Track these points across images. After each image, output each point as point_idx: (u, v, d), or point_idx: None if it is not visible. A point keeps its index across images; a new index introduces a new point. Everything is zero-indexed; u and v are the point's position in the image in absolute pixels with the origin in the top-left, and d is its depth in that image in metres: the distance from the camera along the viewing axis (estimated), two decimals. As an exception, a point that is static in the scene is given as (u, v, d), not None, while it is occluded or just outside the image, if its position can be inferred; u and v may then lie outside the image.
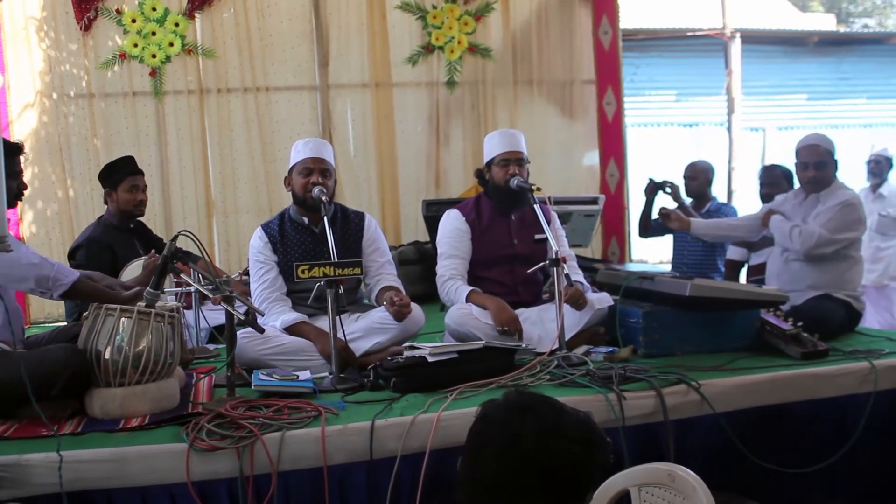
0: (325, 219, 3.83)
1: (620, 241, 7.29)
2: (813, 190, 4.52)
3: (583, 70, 7.23)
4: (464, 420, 2.97)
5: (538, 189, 4.15)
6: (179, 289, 4.42)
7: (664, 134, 11.49)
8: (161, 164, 6.49)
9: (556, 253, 3.81)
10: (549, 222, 4.34)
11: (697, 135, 11.52)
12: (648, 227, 6.22)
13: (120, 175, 4.80)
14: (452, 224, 4.36)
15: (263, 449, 2.78)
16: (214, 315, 4.87)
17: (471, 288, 4.17)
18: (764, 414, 3.31)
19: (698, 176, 6.11)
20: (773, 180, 5.74)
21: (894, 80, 11.87)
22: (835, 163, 4.53)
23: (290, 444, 2.84)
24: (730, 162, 10.35)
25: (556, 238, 4.29)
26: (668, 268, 6.85)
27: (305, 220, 4.13)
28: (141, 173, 4.90)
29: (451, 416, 3.02)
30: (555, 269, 3.79)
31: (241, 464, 2.75)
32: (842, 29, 17.02)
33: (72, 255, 4.76)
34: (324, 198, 3.92)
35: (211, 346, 4.66)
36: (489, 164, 4.36)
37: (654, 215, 6.22)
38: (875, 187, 7.15)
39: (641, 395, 3.20)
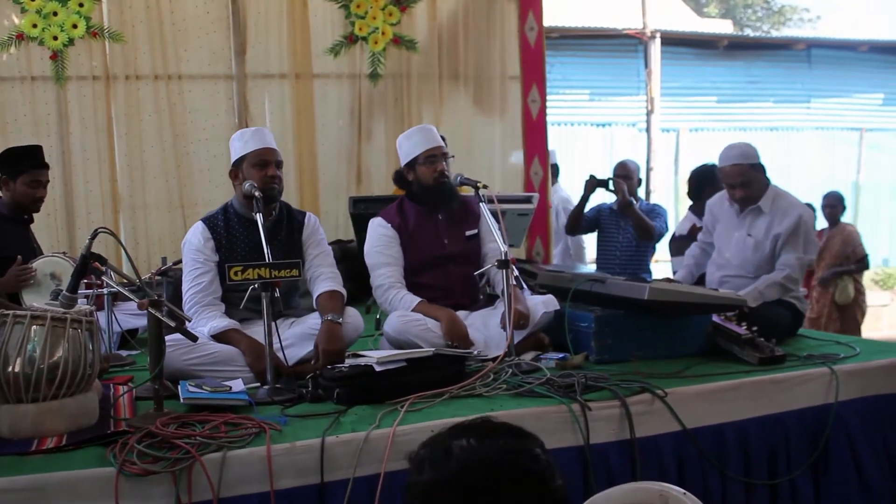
0: (259, 216, 3.54)
1: (545, 242, 7.15)
2: (747, 206, 4.44)
3: (508, 66, 7.05)
4: (420, 435, 2.75)
5: (484, 186, 3.96)
6: (91, 290, 4.06)
7: (576, 133, 11.48)
8: (63, 156, 5.99)
9: (506, 254, 3.64)
10: (479, 218, 4.18)
11: (610, 135, 11.55)
12: (579, 225, 6.10)
13: (22, 166, 4.37)
14: (378, 232, 4.14)
15: (203, 472, 2.49)
16: (126, 318, 4.53)
17: (418, 299, 3.95)
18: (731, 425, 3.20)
19: (632, 175, 6.02)
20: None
21: (799, 85, 12.16)
22: (761, 170, 4.42)
23: (232, 465, 2.56)
24: (648, 162, 10.40)
25: (490, 234, 4.13)
26: (592, 267, 6.76)
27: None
28: (46, 167, 4.48)
29: (405, 430, 2.79)
30: (504, 271, 3.62)
31: (178, 490, 2.46)
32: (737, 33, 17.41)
33: None
34: (274, 192, 3.68)
35: (123, 353, 4.31)
36: (411, 164, 4.13)
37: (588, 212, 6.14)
38: None
39: (605, 404, 3.04)
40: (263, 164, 3.74)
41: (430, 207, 4.15)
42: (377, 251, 4.10)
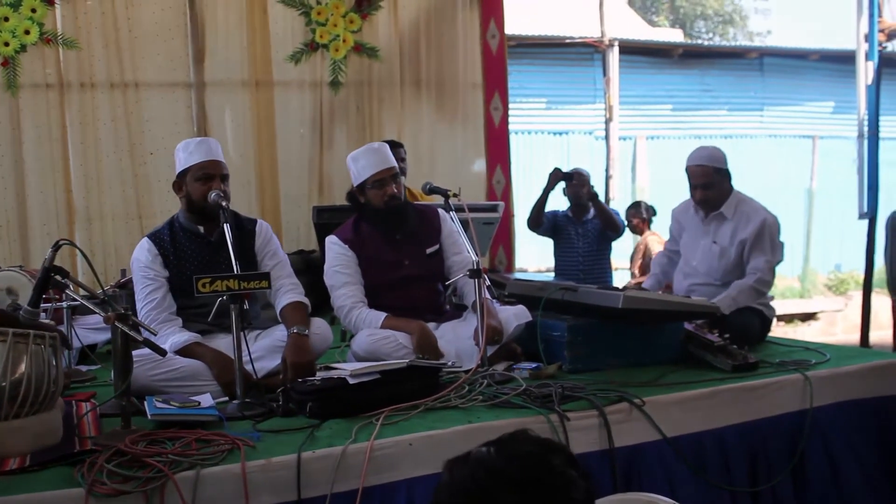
0: (226, 227, 3.44)
1: (507, 250, 7.15)
2: (707, 209, 4.46)
3: (470, 74, 7.05)
4: (398, 449, 2.74)
5: (455, 195, 3.91)
6: (49, 304, 3.94)
7: (533, 141, 11.50)
8: (15, 165, 5.83)
9: (477, 264, 3.60)
10: (439, 231, 4.12)
11: (566, 143, 11.59)
12: (541, 220, 6.09)
13: None
14: (335, 251, 4.02)
15: (176, 491, 2.40)
16: (85, 332, 4.41)
17: (384, 315, 3.86)
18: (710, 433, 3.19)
19: (586, 182, 6.05)
20: None
21: (752, 93, 12.32)
22: (727, 175, 4.47)
23: (206, 483, 2.47)
24: (607, 170, 10.44)
25: (455, 245, 4.09)
26: (551, 276, 6.76)
27: (200, 228, 3.73)
28: None
29: (382, 444, 2.73)
30: (476, 281, 3.58)
31: (151, 510, 2.38)
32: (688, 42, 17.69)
33: None
34: (224, 203, 3.54)
35: (83, 368, 4.19)
36: (361, 187, 4.02)
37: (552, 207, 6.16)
38: None
39: (583, 414, 3.00)
40: (207, 178, 3.62)
41: (385, 229, 4.05)
42: (336, 271, 4.00)
